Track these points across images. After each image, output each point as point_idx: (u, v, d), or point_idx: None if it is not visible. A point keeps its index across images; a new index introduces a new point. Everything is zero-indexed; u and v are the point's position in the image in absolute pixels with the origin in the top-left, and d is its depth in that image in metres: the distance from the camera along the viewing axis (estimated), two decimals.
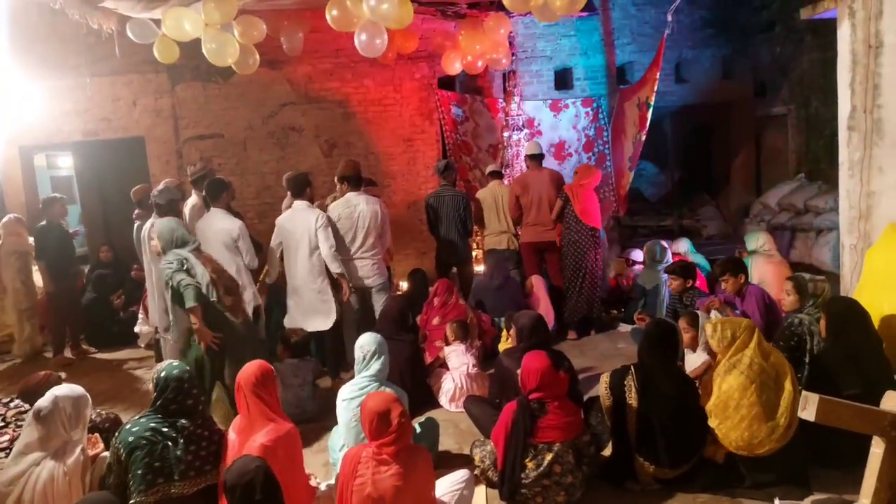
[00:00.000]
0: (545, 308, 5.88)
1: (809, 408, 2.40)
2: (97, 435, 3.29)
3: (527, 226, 6.23)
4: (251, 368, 3.12)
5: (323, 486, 3.39)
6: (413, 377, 4.54)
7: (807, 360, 3.58)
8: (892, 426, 2.36)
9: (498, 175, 6.65)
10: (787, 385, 3.16)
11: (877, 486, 2.42)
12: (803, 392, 2.51)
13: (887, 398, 2.49)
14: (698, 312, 4.47)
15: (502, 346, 5.10)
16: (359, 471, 2.73)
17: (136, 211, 5.86)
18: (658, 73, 6.96)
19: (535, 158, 6.30)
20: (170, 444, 2.87)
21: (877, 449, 2.44)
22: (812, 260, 7.47)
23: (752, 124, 9.56)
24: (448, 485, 3.07)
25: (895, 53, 4.09)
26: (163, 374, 2.99)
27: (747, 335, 3.25)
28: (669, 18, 6.55)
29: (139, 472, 2.78)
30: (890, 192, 4.20)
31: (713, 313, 4.18)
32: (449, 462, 3.72)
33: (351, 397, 3.48)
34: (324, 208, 5.34)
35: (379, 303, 5.33)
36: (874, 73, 4.24)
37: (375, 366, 3.54)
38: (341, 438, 3.53)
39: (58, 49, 7.49)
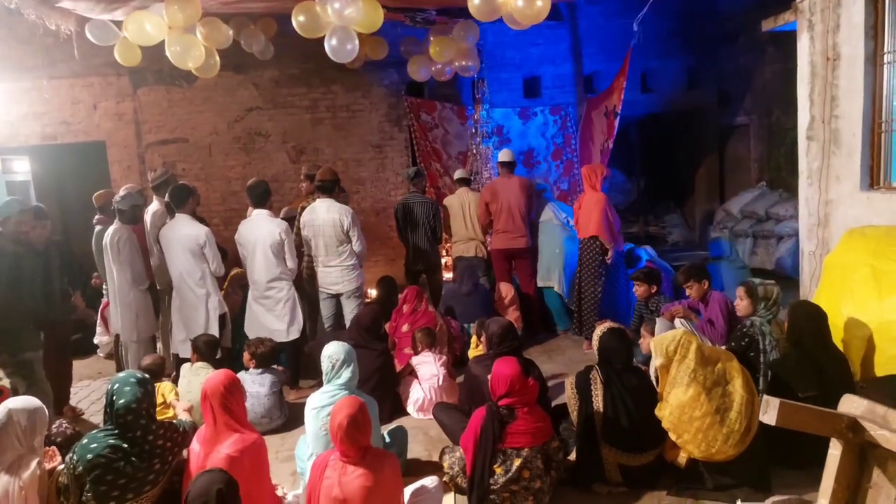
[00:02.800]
0: (514, 315, 5.91)
1: (770, 412, 2.44)
2: (54, 448, 3.21)
3: (497, 232, 6.24)
4: (218, 378, 3.06)
5: (290, 496, 3.35)
6: (384, 386, 4.51)
7: (762, 360, 3.65)
8: (849, 428, 2.41)
9: (466, 182, 6.65)
10: (739, 388, 3.18)
11: (834, 487, 2.48)
12: (764, 396, 2.55)
13: (845, 401, 2.54)
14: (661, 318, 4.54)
15: (472, 353, 5.10)
16: (326, 473, 2.71)
17: (98, 216, 5.72)
18: (625, 83, 7.06)
19: (506, 166, 6.31)
20: (134, 459, 2.81)
21: (834, 451, 2.50)
22: (773, 266, 7.64)
23: (715, 133, 9.75)
24: (416, 492, 3.05)
25: (851, 66, 4.21)
26: (115, 389, 2.87)
27: (684, 347, 3.25)
28: (636, 28, 6.66)
29: (102, 488, 2.73)
30: (847, 201, 4.32)
31: (677, 320, 4.23)
32: (418, 469, 3.70)
33: (321, 405, 3.43)
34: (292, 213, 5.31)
35: (349, 309, 5.28)
36: (832, 85, 4.36)
37: (345, 374, 3.50)
38: (309, 447, 3.47)
39: (13, 50, 7.28)
